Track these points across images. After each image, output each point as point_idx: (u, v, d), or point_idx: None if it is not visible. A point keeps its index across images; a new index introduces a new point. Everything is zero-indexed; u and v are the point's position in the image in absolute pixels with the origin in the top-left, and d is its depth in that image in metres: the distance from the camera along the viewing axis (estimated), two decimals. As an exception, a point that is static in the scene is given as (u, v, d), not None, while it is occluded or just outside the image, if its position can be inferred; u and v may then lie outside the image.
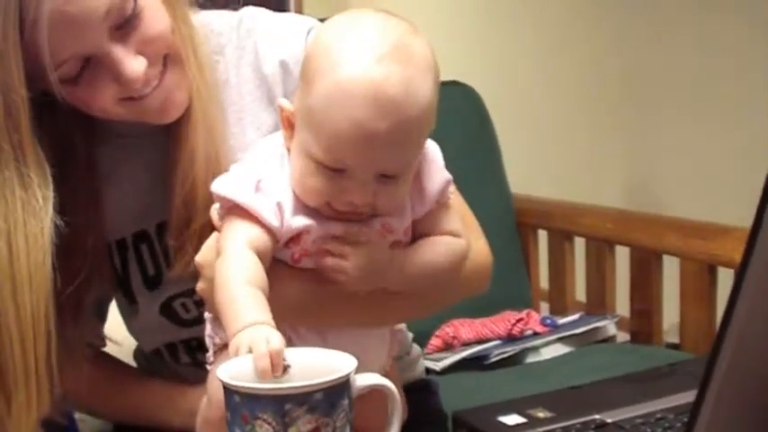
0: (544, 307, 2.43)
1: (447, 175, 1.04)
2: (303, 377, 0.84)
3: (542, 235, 2.41)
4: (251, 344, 0.85)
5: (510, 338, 2.03)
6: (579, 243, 2.32)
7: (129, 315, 1.30)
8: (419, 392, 1.31)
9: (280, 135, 1.04)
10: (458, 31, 4.35)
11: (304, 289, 1.00)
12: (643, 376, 1.23)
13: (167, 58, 1.11)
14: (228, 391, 0.83)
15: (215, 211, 1.06)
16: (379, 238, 1.00)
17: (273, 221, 0.97)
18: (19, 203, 1.02)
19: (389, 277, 1.00)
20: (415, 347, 1.34)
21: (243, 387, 0.81)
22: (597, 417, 1.05)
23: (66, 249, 1.06)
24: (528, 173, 2.61)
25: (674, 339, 2.12)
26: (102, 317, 1.31)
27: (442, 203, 1.04)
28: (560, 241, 2.34)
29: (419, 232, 1.04)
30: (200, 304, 1.20)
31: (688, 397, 1.04)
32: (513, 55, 3.64)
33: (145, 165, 1.21)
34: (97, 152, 1.19)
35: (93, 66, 1.05)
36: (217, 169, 1.11)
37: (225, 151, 1.15)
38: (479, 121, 2.34)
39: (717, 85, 3.07)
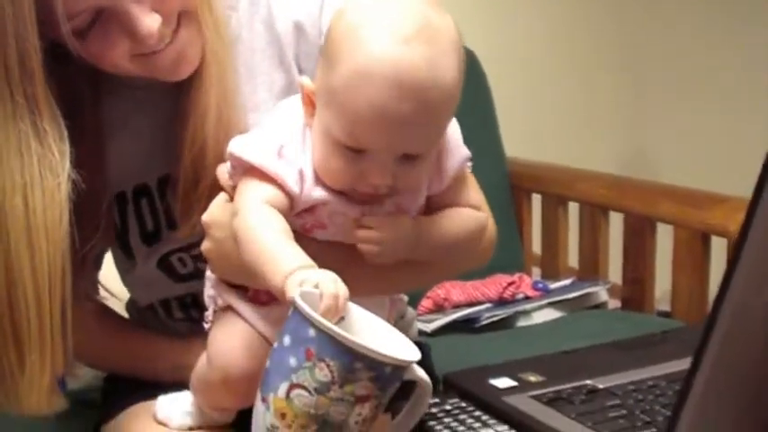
0: (536, 272, 2.42)
1: (466, 152, 1.04)
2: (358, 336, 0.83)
3: (536, 199, 2.41)
4: (318, 281, 0.83)
5: (501, 302, 2.03)
6: (573, 208, 2.32)
7: (125, 268, 1.29)
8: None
9: (299, 100, 1.02)
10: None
11: (317, 255, 0.98)
12: (635, 343, 1.23)
13: (182, 15, 1.08)
14: (303, 320, 0.80)
15: (224, 170, 1.05)
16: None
17: (295, 188, 0.96)
18: (35, 158, 0.99)
19: (417, 248, 1.00)
20: (410, 310, 1.34)
21: (326, 327, 0.79)
22: (589, 382, 1.05)
23: (75, 205, 1.04)
24: (523, 137, 2.59)
25: (666, 307, 2.12)
26: (97, 265, 1.30)
27: (459, 177, 1.04)
28: (554, 206, 2.34)
29: (438, 206, 1.04)
30: (198, 259, 1.19)
31: (680, 365, 1.04)
32: (511, 19, 3.60)
33: (149, 117, 1.19)
34: (103, 104, 1.17)
35: (106, 20, 1.02)
36: (228, 129, 1.10)
37: (236, 110, 1.13)
38: (476, 84, 2.33)
39: (715, 54, 3.06)
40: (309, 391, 0.80)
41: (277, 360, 0.83)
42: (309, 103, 0.99)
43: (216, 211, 1.05)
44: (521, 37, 3.32)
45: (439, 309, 2.05)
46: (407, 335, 1.19)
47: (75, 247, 1.05)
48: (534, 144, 2.66)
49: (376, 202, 0.99)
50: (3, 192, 0.99)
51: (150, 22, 1.03)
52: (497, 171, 2.31)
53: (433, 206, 1.04)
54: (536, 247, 2.43)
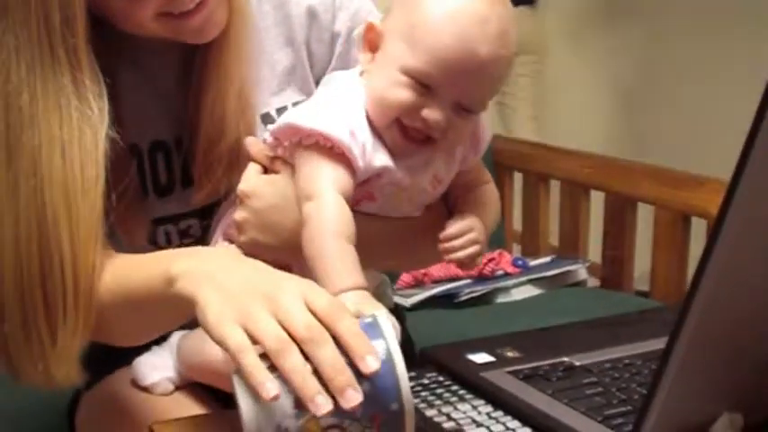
0: (516, 249, 2.43)
1: (489, 131, 1.10)
2: None
3: (518, 177, 2.41)
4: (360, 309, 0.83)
5: (481, 278, 2.04)
6: (554, 186, 2.32)
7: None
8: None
9: (352, 75, 1.03)
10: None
11: (360, 228, 0.95)
12: (612, 321, 1.23)
13: None
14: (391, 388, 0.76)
15: (255, 141, 1.05)
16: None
17: (360, 163, 0.96)
18: (74, 113, 0.96)
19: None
20: (383, 276, 1.33)
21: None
22: (566, 359, 1.05)
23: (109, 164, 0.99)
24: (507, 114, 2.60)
25: (644, 287, 2.14)
26: None
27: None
28: (536, 184, 2.34)
29: (465, 180, 1.08)
30: (185, 234, 1.16)
31: (657, 344, 1.04)
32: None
33: (155, 79, 1.14)
34: (121, 65, 1.11)
35: None
36: (247, 95, 1.10)
37: (250, 77, 1.12)
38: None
39: (704, 37, 3.06)
40: None
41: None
42: (371, 48, 1.01)
43: (254, 180, 1.04)
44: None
45: (418, 283, 2.06)
46: (383, 302, 1.18)
47: (107, 209, 1.00)
48: (518, 121, 2.66)
49: (423, 146, 1.00)
50: (40, 147, 0.95)
51: None
52: (480, 147, 2.31)
53: (460, 181, 1.07)
54: (517, 224, 2.44)
